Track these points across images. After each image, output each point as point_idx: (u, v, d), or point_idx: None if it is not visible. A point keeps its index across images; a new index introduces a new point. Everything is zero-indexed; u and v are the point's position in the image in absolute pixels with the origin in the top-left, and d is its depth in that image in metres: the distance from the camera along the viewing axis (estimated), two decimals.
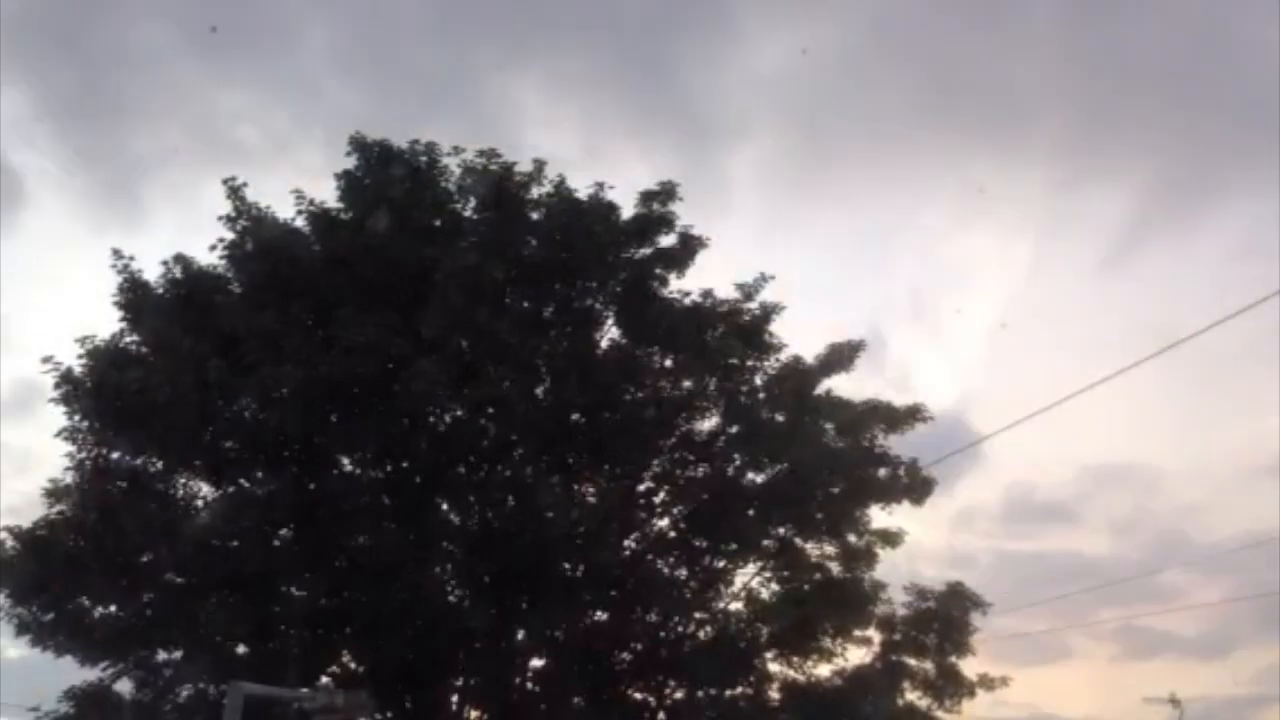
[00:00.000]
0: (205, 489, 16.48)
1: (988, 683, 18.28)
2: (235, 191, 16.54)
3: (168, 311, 16.02)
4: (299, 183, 17.06)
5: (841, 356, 18.26)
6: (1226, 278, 43.27)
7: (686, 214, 17.51)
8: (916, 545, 19.13)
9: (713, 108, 49.16)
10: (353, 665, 16.84)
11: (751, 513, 17.54)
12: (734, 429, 17.75)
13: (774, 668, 18.02)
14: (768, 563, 18.22)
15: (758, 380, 18.00)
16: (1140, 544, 49.62)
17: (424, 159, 17.03)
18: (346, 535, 14.98)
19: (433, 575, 15.33)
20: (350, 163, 17.03)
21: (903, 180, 50.92)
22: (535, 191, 17.32)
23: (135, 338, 16.25)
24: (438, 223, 16.99)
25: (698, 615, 18.08)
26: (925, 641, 18.24)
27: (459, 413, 16.52)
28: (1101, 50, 46.69)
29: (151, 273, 16.37)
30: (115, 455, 15.97)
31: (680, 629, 18.06)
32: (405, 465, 16.64)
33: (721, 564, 18.18)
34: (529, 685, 17.24)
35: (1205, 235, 50.22)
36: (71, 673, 15.94)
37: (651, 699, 17.85)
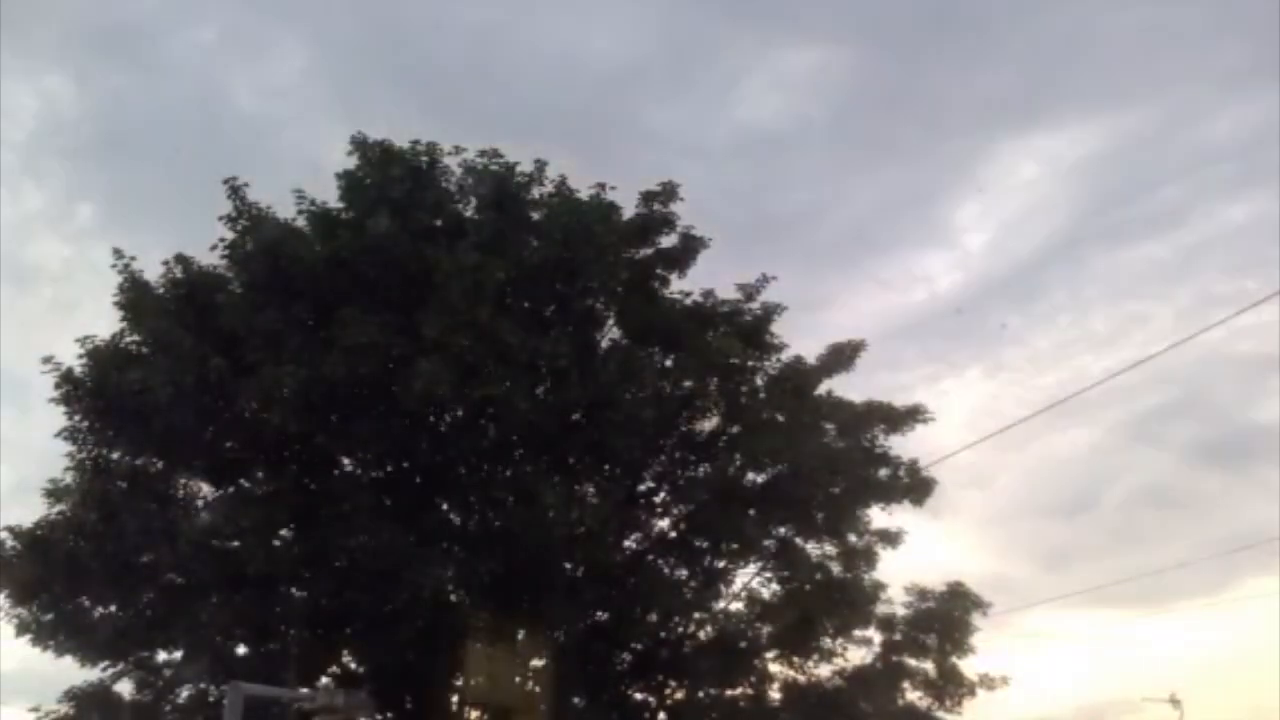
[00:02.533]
0: (205, 489, 16.49)
1: (988, 682, 18.30)
2: (236, 191, 16.53)
3: (168, 311, 16.02)
4: None
5: (842, 357, 18.27)
6: None
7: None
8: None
9: None
10: (353, 665, 16.85)
11: (751, 513, 17.54)
12: (734, 429, 17.75)
13: (774, 668, 18.04)
14: (768, 563, 18.21)
15: (758, 380, 18.01)
16: None
17: (425, 159, 17.03)
18: (346, 535, 14.97)
19: (433, 575, 15.32)
20: (351, 163, 17.04)
21: None
22: (536, 192, 17.34)
23: (135, 338, 16.24)
24: (439, 223, 16.98)
25: (698, 615, 18.08)
26: (926, 641, 18.26)
27: (459, 413, 16.51)
28: None
29: (152, 272, 16.38)
30: (115, 455, 15.96)
31: (680, 629, 18.06)
32: (405, 465, 16.64)
33: (721, 564, 18.17)
34: (529, 685, 17.23)
35: None
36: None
37: (651, 699, 17.86)
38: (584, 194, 17.10)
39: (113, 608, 15.84)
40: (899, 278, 54.10)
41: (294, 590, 15.66)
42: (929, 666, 18.24)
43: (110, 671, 15.98)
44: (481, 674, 16.56)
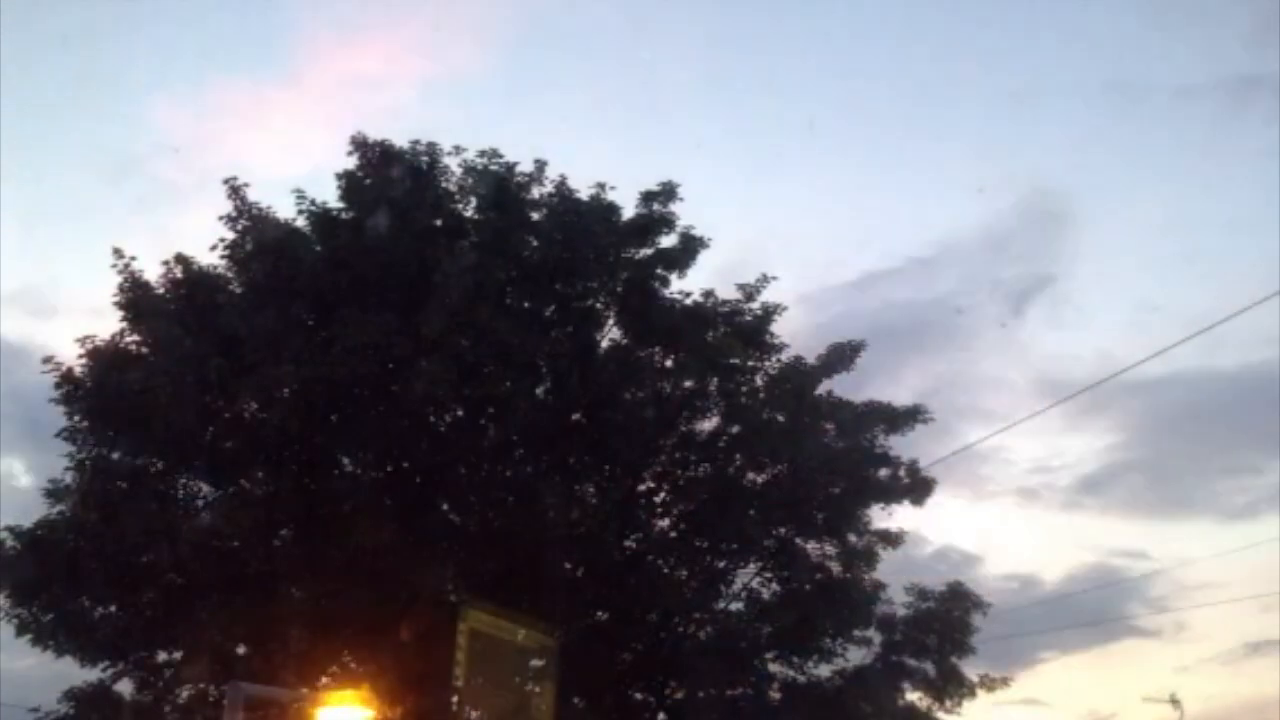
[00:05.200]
0: (205, 489, 16.47)
1: (989, 683, 18.28)
2: (236, 191, 16.54)
3: (168, 311, 16.01)
4: None
5: (842, 356, 18.26)
6: None
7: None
8: None
9: None
10: (353, 665, 16.83)
11: (751, 513, 17.53)
12: (734, 429, 17.76)
13: (774, 668, 18.01)
14: (768, 563, 18.20)
15: (758, 380, 18.02)
16: None
17: (425, 159, 17.03)
18: (346, 535, 14.97)
19: (433, 575, 15.32)
20: (351, 163, 17.05)
21: None
22: (536, 191, 17.33)
23: (135, 338, 16.22)
24: (438, 223, 16.98)
25: (698, 615, 18.07)
26: (926, 642, 18.25)
27: (459, 413, 16.53)
28: None
29: (152, 273, 16.38)
30: (115, 455, 15.94)
31: (680, 629, 18.04)
32: (405, 465, 16.62)
33: (721, 564, 18.16)
34: (529, 685, 17.21)
35: None
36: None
37: (651, 699, 17.84)
38: (584, 194, 17.12)
39: (113, 608, 15.84)
40: None
41: (294, 590, 15.65)
42: (929, 667, 18.23)
43: (110, 671, 15.96)
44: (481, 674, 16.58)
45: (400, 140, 17.12)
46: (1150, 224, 51.24)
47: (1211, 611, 43.86)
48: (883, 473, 18.09)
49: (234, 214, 16.54)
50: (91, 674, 15.92)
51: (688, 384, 17.66)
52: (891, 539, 18.59)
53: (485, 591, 15.91)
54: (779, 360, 18.04)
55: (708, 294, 17.58)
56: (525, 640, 17.07)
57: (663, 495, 18.10)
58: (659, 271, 17.50)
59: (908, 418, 18.20)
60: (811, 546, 18.25)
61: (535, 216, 17.25)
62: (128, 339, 16.18)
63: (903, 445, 18.33)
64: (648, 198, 17.30)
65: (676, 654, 17.62)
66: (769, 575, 18.30)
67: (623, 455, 17.04)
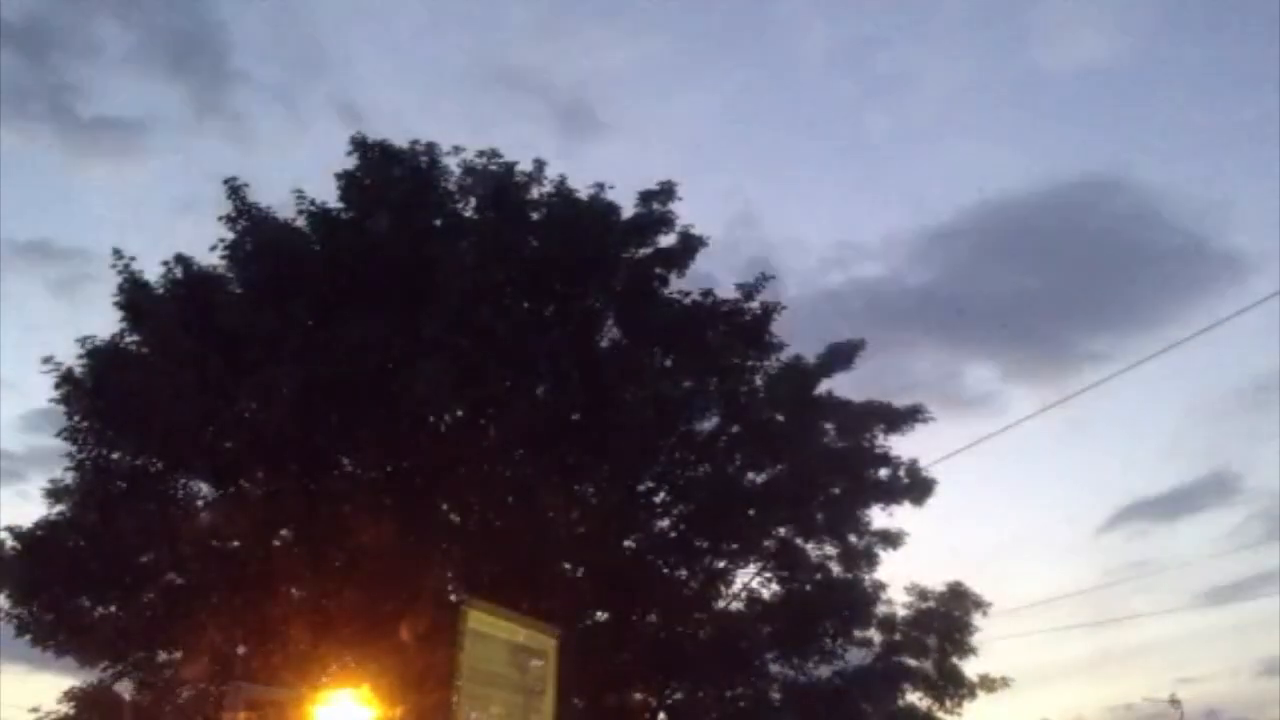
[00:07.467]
0: (205, 489, 16.47)
1: (989, 683, 18.27)
2: (236, 191, 16.53)
3: (168, 311, 16.00)
4: None
5: (841, 356, 18.25)
6: None
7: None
8: None
9: None
10: (353, 665, 16.83)
11: (751, 513, 17.53)
12: (734, 429, 17.75)
13: (774, 668, 18.00)
14: (768, 563, 18.19)
15: (758, 380, 18.00)
16: None
17: (424, 159, 17.04)
18: (346, 535, 14.96)
19: (433, 575, 15.32)
20: (351, 163, 17.04)
21: None
22: (535, 191, 17.34)
23: (135, 338, 16.22)
24: (438, 223, 16.99)
25: (698, 615, 18.05)
26: (926, 642, 18.24)
27: (459, 413, 16.51)
28: None
29: (152, 273, 16.38)
30: (115, 455, 15.95)
31: (680, 629, 18.02)
32: (405, 465, 16.62)
33: (721, 564, 18.15)
34: (529, 685, 17.18)
35: None
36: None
37: (651, 699, 17.82)
38: (583, 194, 17.11)
39: (113, 608, 15.83)
40: None
41: (294, 590, 15.65)
42: (929, 667, 18.22)
43: (110, 671, 15.96)
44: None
45: (399, 140, 17.16)
46: None
47: None
48: (883, 473, 18.08)
49: (234, 214, 16.54)
50: (91, 674, 15.95)
51: (687, 384, 17.64)
52: (892, 539, 18.58)
53: (485, 591, 15.90)
54: (779, 360, 18.04)
55: (707, 293, 17.58)
56: (525, 640, 17.07)
57: (663, 495, 18.08)
58: (658, 271, 17.50)
59: (907, 417, 18.20)
60: (811, 547, 18.24)
61: (534, 216, 17.25)
62: (128, 339, 16.18)
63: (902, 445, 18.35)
64: (646, 197, 17.29)
65: (676, 654, 17.61)
66: (769, 575, 18.30)
67: (623, 455, 17.02)
